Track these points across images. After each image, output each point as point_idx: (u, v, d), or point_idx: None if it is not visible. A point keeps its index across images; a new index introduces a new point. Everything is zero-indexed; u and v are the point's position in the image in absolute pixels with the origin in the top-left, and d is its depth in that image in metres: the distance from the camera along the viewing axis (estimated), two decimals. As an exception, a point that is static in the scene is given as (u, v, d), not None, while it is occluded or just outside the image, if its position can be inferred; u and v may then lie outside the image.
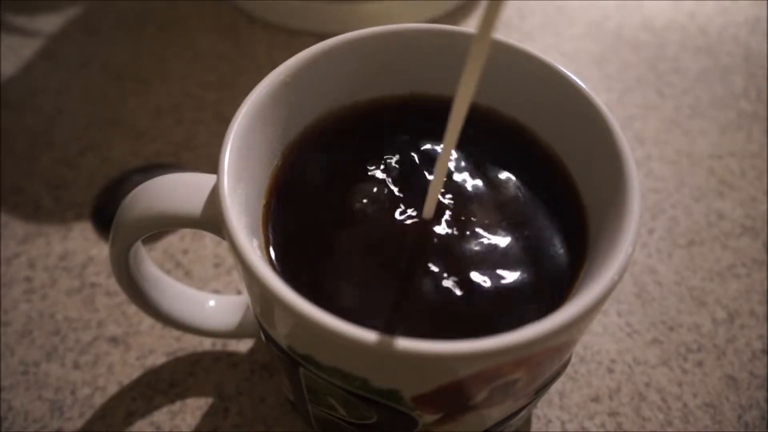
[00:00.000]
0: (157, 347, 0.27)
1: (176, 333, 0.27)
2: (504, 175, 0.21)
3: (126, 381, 0.26)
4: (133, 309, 0.28)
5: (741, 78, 0.40)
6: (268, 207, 0.20)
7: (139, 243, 0.20)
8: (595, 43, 0.42)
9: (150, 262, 0.22)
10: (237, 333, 0.24)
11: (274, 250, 0.19)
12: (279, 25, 0.41)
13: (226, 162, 0.17)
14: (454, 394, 0.16)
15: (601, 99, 0.19)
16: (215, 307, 0.24)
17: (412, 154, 0.21)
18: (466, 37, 0.21)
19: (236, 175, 0.17)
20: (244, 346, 0.27)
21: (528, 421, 0.25)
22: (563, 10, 0.44)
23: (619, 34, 0.42)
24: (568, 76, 0.20)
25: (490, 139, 0.21)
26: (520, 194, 0.20)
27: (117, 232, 0.19)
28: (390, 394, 0.16)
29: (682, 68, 0.40)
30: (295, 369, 0.18)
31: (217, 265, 0.30)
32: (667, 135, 0.36)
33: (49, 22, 0.42)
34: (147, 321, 0.28)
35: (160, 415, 0.25)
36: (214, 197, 0.17)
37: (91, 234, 0.31)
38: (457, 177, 0.20)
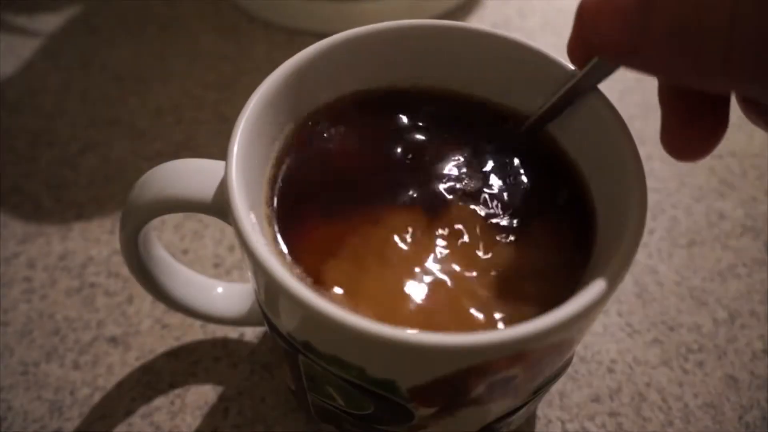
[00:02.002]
0: (157, 347, 0.27)
1: (176, 333, 0.27)
2: (512, 169, 0.21)
3: (125, 381, 0.26)
4: (132, 309, 0.28)
5: (742, 78, 0.40)
6: (276, 191, 0.20)
7: (149, 226, 0.20)
8: (596, 42, 0.41)
9: (160, 246, 0.22)
10: (244, 321, 0.24)
11: (282, 235, 0.19)
12: (279, 24, 0.41)
13: (235, 149, 0.18)
14: (450, 387, 0.16)
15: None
16: (223, 293, 0.24)
17: (417, 143, 0.21)
18: (465, 33, 0.21)
19: (244, 163, 0.18)
20: (244, 346, 0.27)
21: (530, 422, 0.25)
22: (564, 10, 0.44)
23: (620, 33, 0.42)
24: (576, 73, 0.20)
25: (506, 134, 0.22)
26: (528, 189, 0.20)
27: (128, 214, 0.19)
28: (386, 385, 0.16)
29: (682, 68, 0.40)
30: (295, 356, 0.18)
31: (216, 265, 0.30)
32: (668, 135, 0.36)
33: (49, 22, 0.42)
34: (147, 321, 0.28)
35: (160, 416, 0.25)
36: (224, 184, 0.17)
37: (91, 234, 0.31)
38: (466, 171, 0.21)
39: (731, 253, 0.31)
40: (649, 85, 0.39)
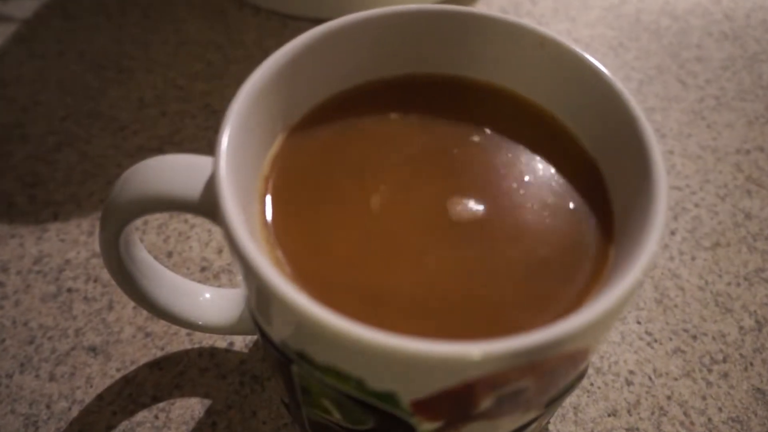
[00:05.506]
0: (140, 357, 0.27)
1: (160, 342, 0.27)
2: (528, 164, 0.21)
3: (106, 394, 0.26)
4: (113, 316, 0.28)
5: (770, 67, 0.40)
6: (271, 190, 0.20)
7: (131, 227, 0.20)
8: (612, 28, 0.42)
9: (142, 249, 0.22)
10: (234, 329, 0.24)
11: (277, 237, 0.19)
12: (271, 9, 0.41)
13: (225, 144, 0.18)
14: (455, 400, 0.16)
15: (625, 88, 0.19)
16: (211, 299, 0.24)
17: (419, 135, 0.21)
18: (468, 17, 0.21)
19: (235, 159, 0.18)
20: (233, 356, 0.27)
21: (540, 437, 0.25)
22: (578, -6, 0.44)
23: (639, 18, 0.42)
24: (590, 61, 0.20)
25: (514, 123, 0.22)
26: (542, 185, 0.20)
27: (108, 214, 0.19)
28: (386, 398, 0.16)
29: (706, 56, 0.40)
30: (289, 367, 0.18)
31: (204, 269, 0.30)
32: (690, 128, 0.36)
33: (24, 7, 0.42)
34: (128, 329, 0.28)
35: (143, 431, 0.25)
36: (212, 181, 0.17)
37: (69, 235, 0.31)
38: (478, 165, 0.21)
39: (759, 256, 0.31)
40: (671, 74, 0.39)
